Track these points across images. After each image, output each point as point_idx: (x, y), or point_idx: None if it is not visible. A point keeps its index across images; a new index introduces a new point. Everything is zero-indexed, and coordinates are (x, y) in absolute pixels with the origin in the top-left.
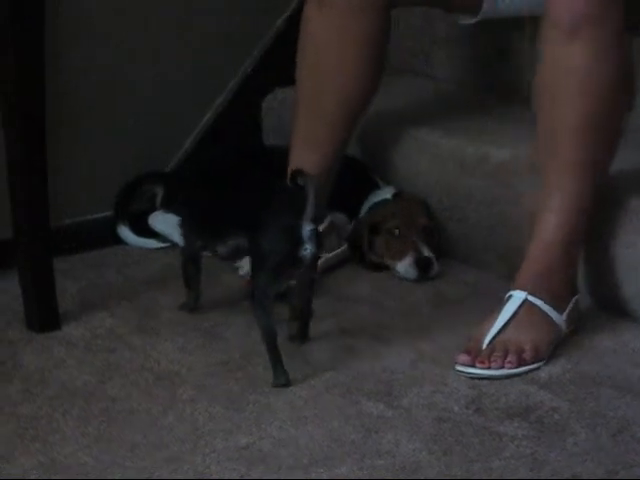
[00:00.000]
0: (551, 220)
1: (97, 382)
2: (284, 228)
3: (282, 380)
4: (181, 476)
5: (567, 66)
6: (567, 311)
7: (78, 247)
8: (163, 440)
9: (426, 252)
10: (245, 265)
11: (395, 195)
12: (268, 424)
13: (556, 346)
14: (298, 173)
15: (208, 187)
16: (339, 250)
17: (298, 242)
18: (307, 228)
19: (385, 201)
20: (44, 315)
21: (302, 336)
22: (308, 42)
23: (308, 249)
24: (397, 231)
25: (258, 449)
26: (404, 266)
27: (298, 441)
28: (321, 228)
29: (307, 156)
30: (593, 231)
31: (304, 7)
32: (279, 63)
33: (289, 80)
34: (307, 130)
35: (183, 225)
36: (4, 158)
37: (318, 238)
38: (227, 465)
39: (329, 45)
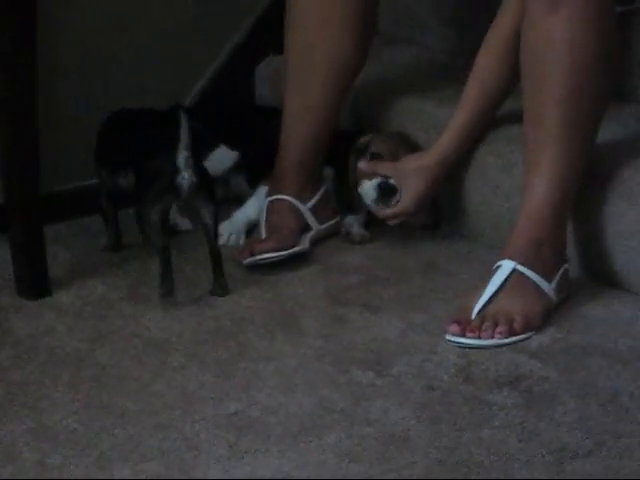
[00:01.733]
0: (539, 188)
1: (87, 349)
2: (159, 158)
3: (169, 292)
4: (170, 443)
5: (551, 38)
6: (556, 280)
7: (70, 214)
8: (152, 407)
9: (393, 180)
10: (224, 233)
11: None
12: (257, 391)
13: (547, 316)
14: (176, 106)
15: (119, 127)
16: (332, 222)
17: (174, 170)
18: (181, 156)
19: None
20: (35, 282)
21: (218, 285)
22: (295, 10)
23: (185, 177)
24: (377, 156)
25: (247, 416)
26: (368, 187)
27: (288, 409)
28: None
29: (299, 124)
30: (582, 201)
31: None
32: (272, 30)
33: (282, 48)
34: (298, 99)
35: (95, 160)
36: None
37: (198, 167)
38: (216, 432)
39: (316, 13)
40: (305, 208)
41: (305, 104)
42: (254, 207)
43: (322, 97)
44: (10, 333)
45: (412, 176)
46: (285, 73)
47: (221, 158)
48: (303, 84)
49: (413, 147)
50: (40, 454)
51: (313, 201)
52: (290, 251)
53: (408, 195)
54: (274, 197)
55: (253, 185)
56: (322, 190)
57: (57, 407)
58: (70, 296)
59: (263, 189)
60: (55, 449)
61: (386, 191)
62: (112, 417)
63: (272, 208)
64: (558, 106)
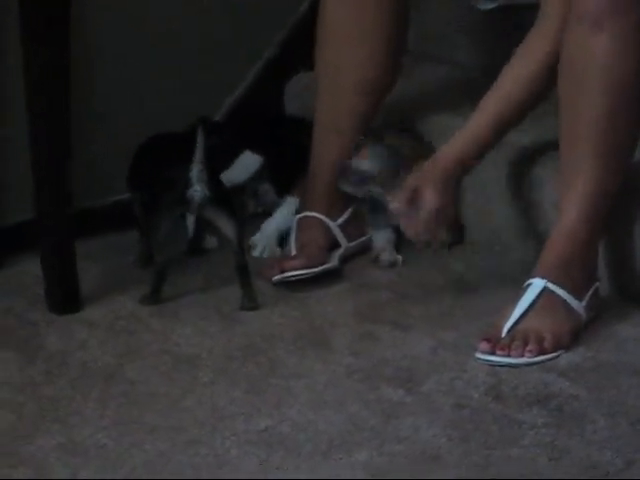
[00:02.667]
0: (573, 207)
1: (117, 364)
2: (173, 170)
3: (152, 301)
4: (200, 459)
5: (592, 58)
6: (587, 298)
7: (100, 229)
8: (182, 423)
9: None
10: (258, 245)
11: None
12: (288, 408)
13: (577, 334)
14: (197, 122)
15: (150, 149)
16: (362, 239)
17: (186, 183)
18: (195, 169)
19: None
20: (65, 297)
21: (247, 299)
22: (327, 30)
23: (198, 190)
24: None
25: (278, 433)
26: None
27: (317, 426)
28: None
29: (329, 146)
30: (614, 218)
31: None
32: (302, 47)
33: (313, 64)
34: (328, 118)
35: (128, 181)
36: (28, 139)
37: (214, 181)
38: (246, 449)
39: (346, 33)
40: (334, 225)
41: (335, 127)
42: (283, 217)
43: (352, 121)
44: (41, 348)
45: (430, 181)
46: (316, 91)
47: (246, 163)
48: (333, 107)
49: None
50: (71, 469)
51: (343, 219)
52: (320, 268)
53: (430, 199)
54: (304, 214)
55: (281, 194)
56: (351, 208)
57: (87, 422)
58: (101, 311)
59: (291, 200)
60: (86, 464)
61: (375, 206)
62: (142, 433)
63: (301, 225)
64: (595, 125)
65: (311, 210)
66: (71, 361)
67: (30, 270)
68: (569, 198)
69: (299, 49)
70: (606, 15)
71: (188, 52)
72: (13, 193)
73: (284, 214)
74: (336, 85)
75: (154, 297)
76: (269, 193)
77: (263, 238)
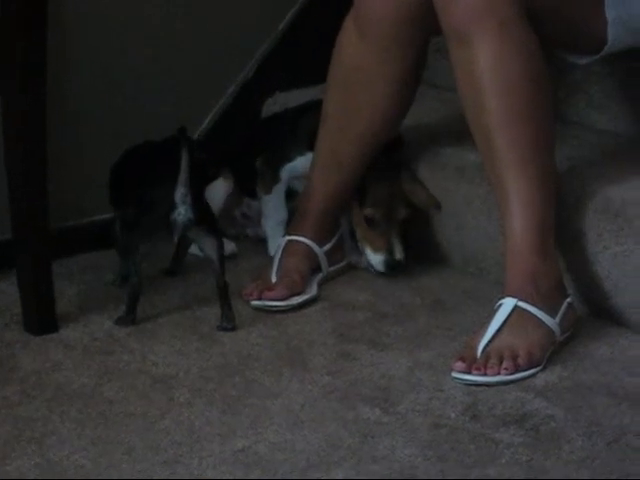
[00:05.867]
0: (514, 223)
1: (94, 385)
2: (156, 191)
3: (127, 322)
4: (177, 479)
5: (473, 71)
6: (560, 315)
7: (77, 250)
8: (160, 443)
9: (398, 254)
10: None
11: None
12: (264, 428)
13: (552, 351)
14: (179, 133)
15: (129, 160)
16: (341, 264)
17: (170, 205)
18: (179, 192)
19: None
20: (42, 317)
21: (226, 319)
22: (341, 71)
23: (182, 213)
24: (375, 219)
25: (254, 453)
26: (374, 259)
27: (295, 445)
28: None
29: (329, 175)
30: (585, 240)
31: (341, 33)
32: (279, 67)
33: (290, 84)
34: (331, 152)
35: (109, 195)
36: (3, 158)
37: (198, 200)
38: (223, 469)
39: (362, 77)
40: (321, 252)
41: (337, 160)
42: (276, 207)
43: (355, 156)
44: (17, 369)
45: None
46: (321, 121)
47: (218, 191)
48: (338, 142)
49: (410, 189)
50: None
51: (329, 245)
52: (299, 301)
53: None
54: (293, 237)
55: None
56: (338, 234)
57: (64, 443)
58: (77, 332)
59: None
60: None
61: (393, 267)
62: (119, 453)
63: (288, 249)
64: (500, 133)
65: (301, 234)
66: (47, 381)
67: (6, 290)
68: (507, 217)
69: (276, 69)
70: (469, 27)
71: (165, 71)
72: None
73: (275, 205)
74: (343, 124)
75: (129, 318)
76: (252, 206)
77: (275, 239)
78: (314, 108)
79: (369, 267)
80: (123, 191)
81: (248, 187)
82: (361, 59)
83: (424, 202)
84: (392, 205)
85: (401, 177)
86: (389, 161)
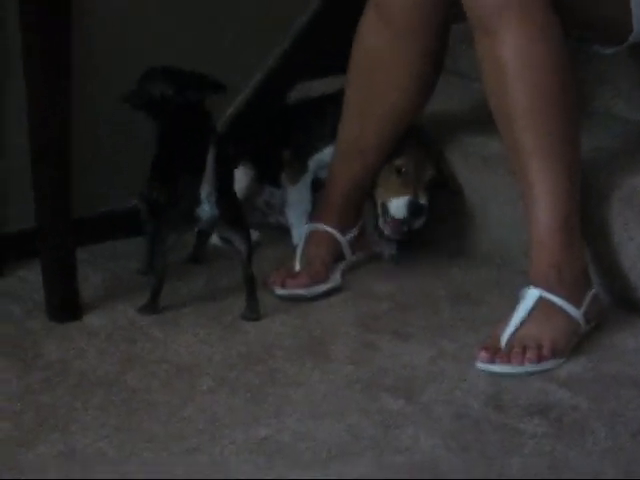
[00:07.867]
0: (539, 213)
1: (117, 373)
2: (183, 186)
3: (151, 310)
4: (199, 467)
5: (498, 60)
6: (584, 306)
7: (101, 237)
8: (182, 431)
9: (423, 200)
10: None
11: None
12: (287, 417)
13: (576, 342)
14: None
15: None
16: (364, 252)
17: (195, 201)
18: (205, 190)
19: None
20: (65, 305)
21: (250, 309)
22: (362, 57)
23: (206, 209)
24: (404, 170)
25: (276, 442)
26: (397, 204)
27: (317, 435)
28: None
29: (351, 164)
30: (610, 230)
31: (361, 20)
32: (303, 57)
33: (313, 74)
34: (353, 139)
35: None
36: (28, 147)
37: (223, 194)
38: (246, 457)
39: (384, 62)
40: (344, 240)
41: (359, 147)
42: (302, 199)
43: (377, 144)
44: (40, 356)
45: None
46: (343, 109)
47: (239, 179)
48: (360, 129)
49: (438, 159)
50: (71, 477)
51: (353, 234)
52: (322, 289)
53: None
54: (315, 227)
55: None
56: (361, 222)
57: (87, 430)
58: (101, 319)
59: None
60: (85, 473)
61: (415, 210)
62: (142, 441)
63: (311, 239)
64: (525, 123)
65: (324, 223)
66: (70, 369)
67: (30, 278)
68: (533, 207)
69: (300, 60)
70: (494, 17)
71: (190, 62)
72: (14, 201)
73: (300, 194)
74: (365, 110)
75: (152, 307)
76: (275, 195)
77: (299, 228)
78: (340, 97)
79: (386, 244)
80: (156, 181)
81: (271, 175)
82: (382, 44)
83: (448, 180)
84: (423, 162)
85: (432, 147)
86: (423, 130)
